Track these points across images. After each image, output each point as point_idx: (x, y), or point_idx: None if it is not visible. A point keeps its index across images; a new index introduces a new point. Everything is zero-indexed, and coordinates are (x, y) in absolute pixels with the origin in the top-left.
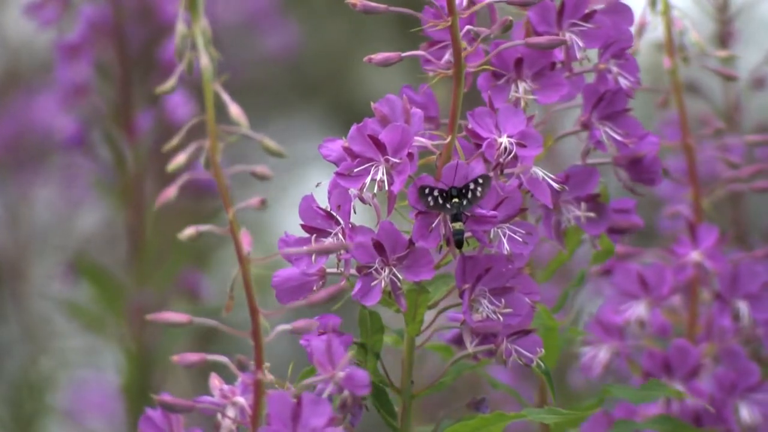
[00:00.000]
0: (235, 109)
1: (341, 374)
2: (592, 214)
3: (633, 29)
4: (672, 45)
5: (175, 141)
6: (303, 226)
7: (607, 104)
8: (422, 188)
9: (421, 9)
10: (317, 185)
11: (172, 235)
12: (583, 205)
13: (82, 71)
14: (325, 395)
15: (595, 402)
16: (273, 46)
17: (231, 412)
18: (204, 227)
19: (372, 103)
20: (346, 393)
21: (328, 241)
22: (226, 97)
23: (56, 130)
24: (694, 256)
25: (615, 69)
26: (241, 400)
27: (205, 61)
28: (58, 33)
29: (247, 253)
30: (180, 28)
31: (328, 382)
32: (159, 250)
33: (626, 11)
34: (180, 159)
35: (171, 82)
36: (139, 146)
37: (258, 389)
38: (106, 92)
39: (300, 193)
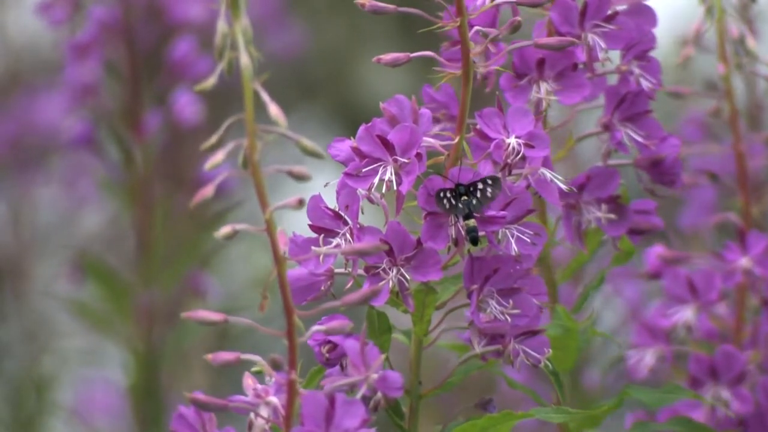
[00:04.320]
0: (274, 109)
1: (375, 376)
2: (612, 215)
3: (687, 36)
4: (725, 51)
5: (213, 139)
6: (311, 226)
7: (629, 106)
8: (438, 192)
9: (426, 9)
10: (325, 185)
11: (179, 235)
12: (603, 206)
13: (91, 71)
14: (358, 396)
15: (614, 403)
16: (276, 47)
17: (264, 412)
18: (240, 226)
19: (380, 103)
20: (379, 395)
21: (336, 242)
22: (265, 96)
23: (64, 129)
24: (744, 262)
25: (637, 70)
26: (274, 399)
27: (245, 60)
28: (68, 33)
29: (283, 252)
30: (221, 26)
31: (362, 383)
32: (166, 250)
33: (649, 13)
34: (218, 157)
35: (211, 80)
36: (147, 146)
37: (291, 389)
38: (114, 92)
39: (299, 192)
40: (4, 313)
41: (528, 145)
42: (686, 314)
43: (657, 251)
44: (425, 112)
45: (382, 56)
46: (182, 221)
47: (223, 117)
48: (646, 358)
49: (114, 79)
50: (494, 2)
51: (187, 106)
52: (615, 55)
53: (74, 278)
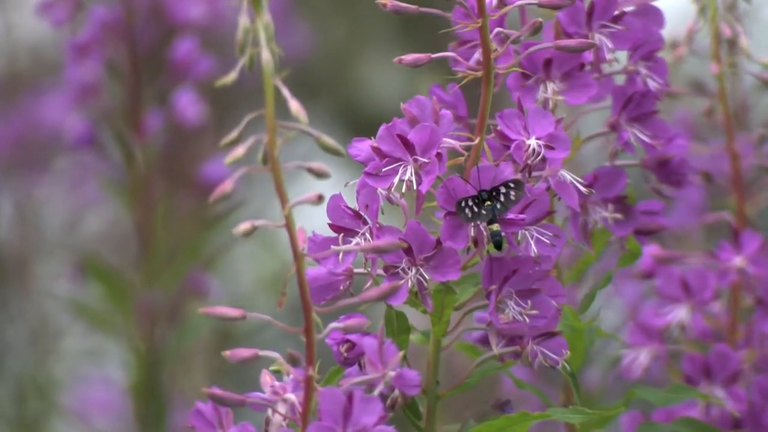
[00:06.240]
0: (294, 105)
1: (392, 373)
2: (619, 216)
3: (680, 36)
4: (718, 51)
5: (234, 134)
6: (331, 226)
7: (636, 106)
8: (459, 203)
9: (439, 9)
10: (345, 185)
11: (180, 235)
12: (610, 206)
13: (92, 71)
14: (375, 394)
15: (622, 402)
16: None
17: (281, 408)
18: (259, 222)
19: (402, 104)
20: (396, 392)
21: (355, 241)
22: (286, 92)
23: (66, 129)
24: (738, 261)
25: (644, 71)
26: (291, 396)
27: (266, 56)
28: (70, 33)
29: (302, 248)
30: (243, 21)
31: (379, 380)
32: (167, 249)
33: (656, 13)
34: (239, 152)
35: (232, 75)
36: (148, 146)
37: (309, 386)
38: (115, 92)
39: (301, 192)
40: (9, 313)
41: (548, 147)
42: (680, 314)
43: (651, 251)
44: (446, 113)
45: (403, 57)
46: (183, 221)
47: (223, 117)
48: (641, 358)
49: (115, 79)
50: (517, 3)
51: (188, 106)
52: (622, 56)
53: (75, 278)
